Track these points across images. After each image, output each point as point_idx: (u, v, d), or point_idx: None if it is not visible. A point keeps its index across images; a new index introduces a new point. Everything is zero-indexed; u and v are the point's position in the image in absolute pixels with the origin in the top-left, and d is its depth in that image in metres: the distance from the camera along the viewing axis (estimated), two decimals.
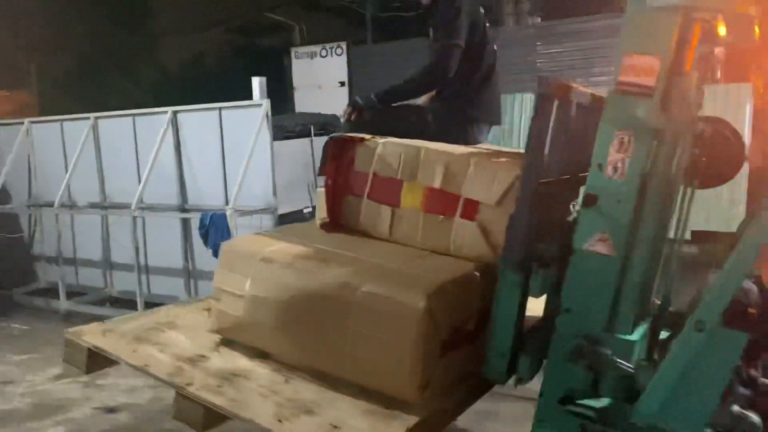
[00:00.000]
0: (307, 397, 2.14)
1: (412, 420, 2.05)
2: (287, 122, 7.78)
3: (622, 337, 2.30)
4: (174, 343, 2.44)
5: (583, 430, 2.34)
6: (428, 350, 2.09)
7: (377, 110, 3.02)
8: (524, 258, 2.24)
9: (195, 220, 6.30)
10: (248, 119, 6.28)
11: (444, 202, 2.51)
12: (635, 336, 2.33)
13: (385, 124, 2.95)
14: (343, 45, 12.63)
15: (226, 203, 6.23)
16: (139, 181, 6.66)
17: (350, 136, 2.72)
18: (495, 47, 3.15)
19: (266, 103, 6.28)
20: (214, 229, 5.89)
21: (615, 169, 2.26)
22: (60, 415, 4.38)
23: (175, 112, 6.78)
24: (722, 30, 2.24)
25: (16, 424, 4.25)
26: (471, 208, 2.45)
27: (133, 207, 6.48)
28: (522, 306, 2.31)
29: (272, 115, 6.33)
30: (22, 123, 7.86)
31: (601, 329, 2.30)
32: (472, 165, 2.45)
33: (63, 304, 7.07)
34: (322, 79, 12.75)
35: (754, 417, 2.11)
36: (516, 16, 11.41)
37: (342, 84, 12.54)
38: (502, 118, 3.32)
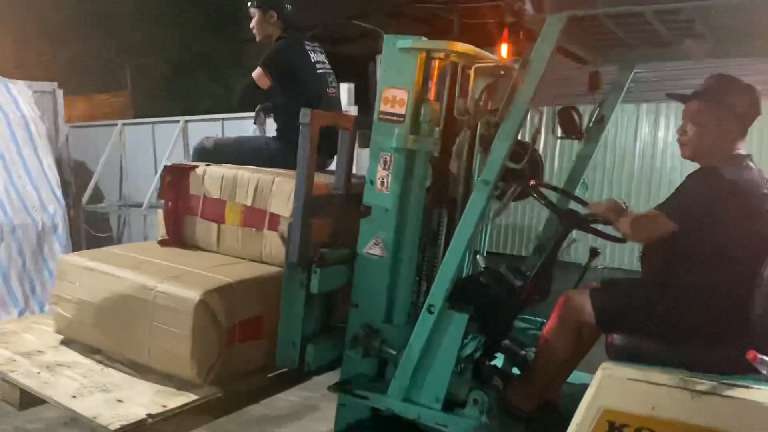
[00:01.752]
0: (111, 381, 2.55)
1: (191, 397, 2.45)
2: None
3: (394, 326, 2.68)
4: (21, 342, 2.87)
5: (374, 412, 2.71)
6: (208, 338, 2.49)
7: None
8: (301, 258, 2.64)
9: None
10: None
11: (255, 217, 2.94)
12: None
13: (235, 153, 3.42)
14: None
15: None
16: None
17: (184, 165, 3.18)
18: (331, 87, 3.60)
19: (354, 110, 6.26)
20: None
21: (382, 183, 2.68)
22: None
23: None
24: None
25: None
26: (274, 221, 2.88)
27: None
28: (308, 300, 2.69)
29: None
30: (116, 125, 8.17)
31: (381, 321, 2.70)
32: (274, 185, 2.89)
33: None
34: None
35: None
36: None
37: None
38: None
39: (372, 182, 2.70)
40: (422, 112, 2.61)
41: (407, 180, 2.65)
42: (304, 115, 2.61)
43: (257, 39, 3.63)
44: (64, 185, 6.96)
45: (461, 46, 2.53)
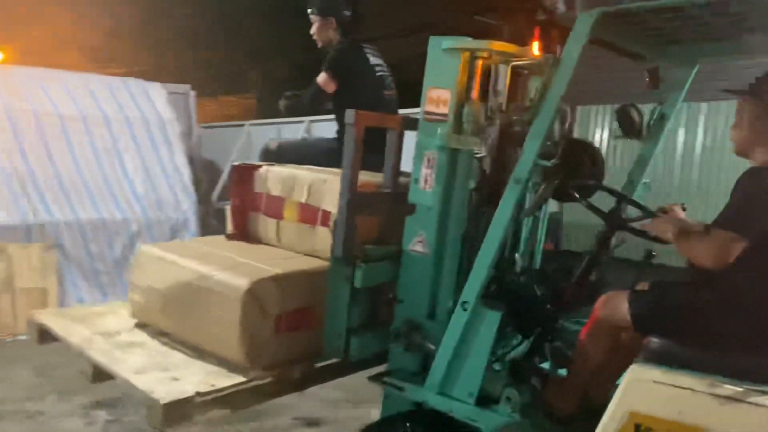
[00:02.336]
0: (171, 361, 2.78)
1: (239, 380, 2.63)
2: None
3: (436, 322, 2.74)
4: (102, 324, 3.18)
5: (418, 405, 2.79)
6: (255, 325, 2.66)
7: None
8: (345, 254, 2.75)
9: None
10: None
11: (310, 214, 3.10)
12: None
13: (298, 154, 3.61)
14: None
15: None
16: None
17: (250, 164, 3.40)
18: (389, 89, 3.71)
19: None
20: None
21: (425, 181, 2.76)
22: (259, 421, 4.23)
23: None
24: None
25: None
26: (326, 217, 3.02)
27: None
28: (353, 294, 2.80)
29: None
30: (243, 125, 8.77)
31: (424, 316, 2.77)
32: (326, 183, 3.03)
33: None
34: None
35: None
36: None
37: None
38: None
39: (416, 181, 2.78)
40: (465, 111, 2.65)
41: (450, 179, 2.70)
42: (349, 116, 2.73)
43: (318, 45, 3.81)
44: (196, 183, 7.45)
45: (501, 45, 2.55)
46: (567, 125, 2.38)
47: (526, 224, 2.93)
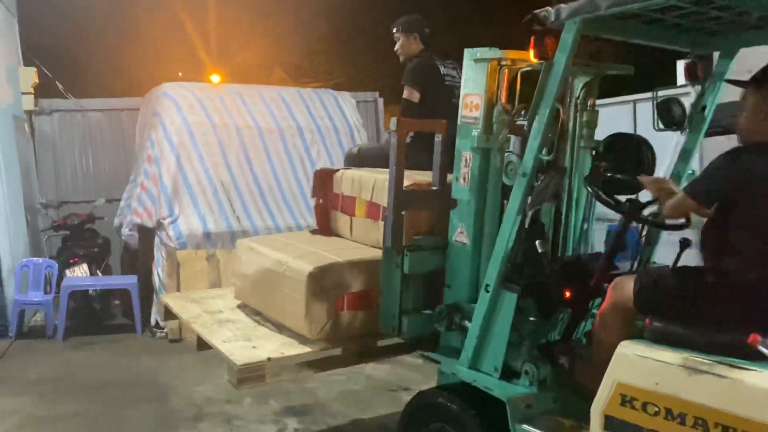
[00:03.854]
0: (256, 334, 3.36)
1: (306, 350, 3.13)
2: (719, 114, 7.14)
3: (473, 305, 3.04)
4: (211, 304, 3.85)
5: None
6: (318, 304, 3.14)
7: None
8: (394, 244, 3.14)
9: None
10: None
11: (374, 210, 3.53)
12: None
13: (377, 157, 4.05)
14: None
15: None
16: None
17: (329, 169, 3.90)
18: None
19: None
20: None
21: (464, 179, 3.09)
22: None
23: None
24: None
25: None
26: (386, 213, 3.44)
27: None
28: (404, 279, 3.18)
29: None
30: None
31: (466, 300, 3.10)
32: (387, 183, 3.44)
33: None
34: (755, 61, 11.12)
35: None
36: None
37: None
38: None
39: (457, 179, 3.11)
40: (495, 114, 2.94)
41: (483, 175, 3.00)
42: (392, 123, 3.12)
43: (401, 59, 4.24)
44: None
45: (518, 54, 2.82)
46: (560, 123, 2.57)
47: (547, 212, 3.11)
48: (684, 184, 3.14)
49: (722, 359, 2.07)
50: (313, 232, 3.93)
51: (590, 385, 2.79)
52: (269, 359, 3.03)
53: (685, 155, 3.15)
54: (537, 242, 2.85)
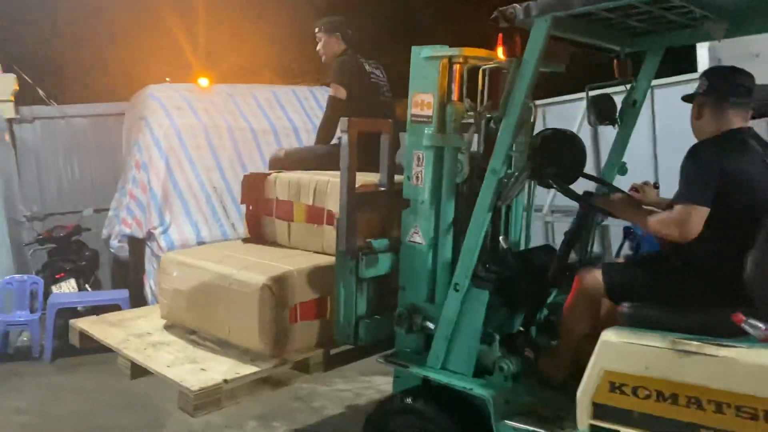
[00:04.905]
0: (200, 355, 3.10)
1: (261, 367, 2.93)
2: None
3: (435, 305, 3.01)
4: (136, 326, 3.51)
5: (425, 382, 3.06)
6: (272, 317, 2.96)
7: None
8: (349, 248, 3.03)
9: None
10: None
11: (316, 214, 3.39)
12: None
13: (303, 160, 3.91)
14: None
15: None
16: None
17: (260, 173, 3.70)
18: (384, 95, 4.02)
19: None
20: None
21: (417, 178, 3.03)
22: None
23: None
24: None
25: None
26: (331, 217, 3.31)
27: (544, 210, 6.64)
28: (359, 283, 3.08)
29: None
30: None
31: (424, 301, 3.04)
32: (329, 186, 3.32)
33: None
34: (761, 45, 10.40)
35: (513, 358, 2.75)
36: None
37: None
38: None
39: (409, 178, 3.05)
40: (447, 112, 2.92)
41: (438, 174, 2.97)
42: (343, 123, 3.01)
43: (323, 59, 4.15)
44: None
45: (474, 51, 2.82)
46: (533, 120, 2.62)
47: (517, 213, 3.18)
48: (616, 175, 3.34)
49: (708, 339, 2.18)
50: (245, 240, 3.71)
51: (555, 374, 2.87)
52: (225, 381, 2.80)
53: (618, 147, 3.32)
54: (501, 237, 2.87)
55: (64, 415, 4.62)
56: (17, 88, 7.79)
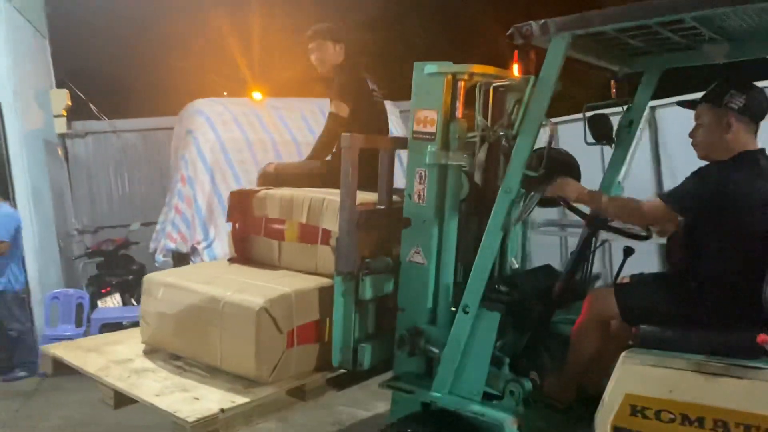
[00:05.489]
0: (189, 382, 2.91)
1: (257, 395, 2.77)
2: None
3: (437, 327, 2.91)
4: (115, 352, 3.28)
5: (424, 407, 2.95)
6: (269, 342, 2.81)
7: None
8: (349, 269, 2.92)
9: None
10: None
11: (310, 233, 3.26)
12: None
13: (295, 176, 3.77)
14: None
15: None
16: None
17: (247, 190, 3.55)
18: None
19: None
20: None
21: (419, 196, 2.95)
22: None
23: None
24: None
25: None
26: (326, 236, 3.19)
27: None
28: (358, 305, 2.96)
29: None
30: None
31: (425, 322, 2.94)
32: (325, 204, 3.20)
33: None
34: None
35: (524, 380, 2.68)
36: None
37: None
38: None
39: (410, 196, 2.97)
40: (451, 129, 2.86)
41: (441, 192, 2.90)
42: (345, 139, 2.91)
43: (320, 70, 3.96)
44: None
45: (481, 68, 2.77)
46: (550, 137, 2.58)
47: (515, 232, 3.13)
48: (613, 194, 3.33)
49: (733, 361, 2.16)
50: (231, 260, 3.53)
51: (561, 397, 2.81)
52: (222, 410, 2.64)
53: (613, 166, 3.32)
54: (511, 258, 2.81)
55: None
56: (70, 103, 7.83)
